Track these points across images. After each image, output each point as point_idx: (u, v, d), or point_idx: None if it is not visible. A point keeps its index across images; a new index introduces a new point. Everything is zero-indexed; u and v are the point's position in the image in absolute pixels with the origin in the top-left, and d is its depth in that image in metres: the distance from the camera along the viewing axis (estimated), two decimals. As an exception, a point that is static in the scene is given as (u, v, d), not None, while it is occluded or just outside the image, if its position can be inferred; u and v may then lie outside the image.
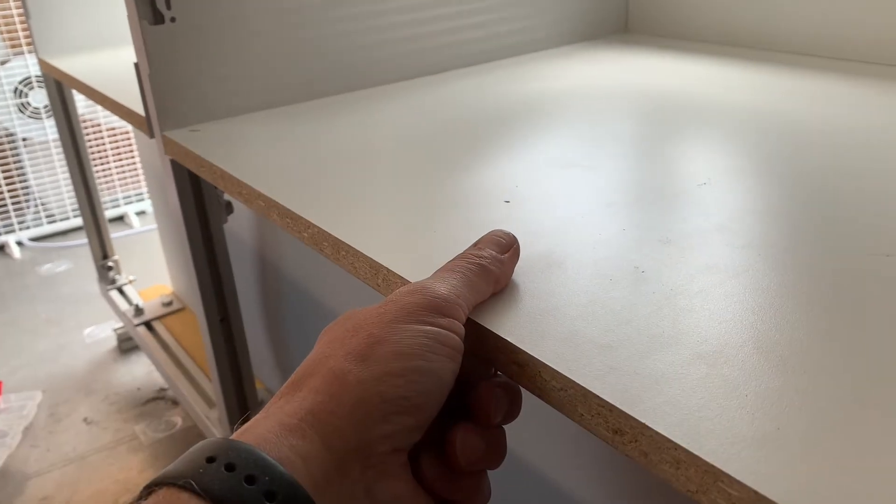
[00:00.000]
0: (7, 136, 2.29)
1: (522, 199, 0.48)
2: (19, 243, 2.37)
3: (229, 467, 0.25)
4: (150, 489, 0.25)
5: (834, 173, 0.50)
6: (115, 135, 2.46)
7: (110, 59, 1.15)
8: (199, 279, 0.80)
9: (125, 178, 2.53)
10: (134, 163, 2.52)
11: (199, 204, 0.77)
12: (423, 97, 0.75)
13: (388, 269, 0.40)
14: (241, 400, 0.90)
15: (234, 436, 0.27)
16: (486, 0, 0.85)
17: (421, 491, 0.31)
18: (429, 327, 0.31)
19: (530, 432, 0.68)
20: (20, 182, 2.36)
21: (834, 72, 0.75)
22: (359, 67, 0.78)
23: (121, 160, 2.50)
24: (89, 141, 2.40)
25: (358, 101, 0.75)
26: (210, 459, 0.25)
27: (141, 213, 2.54)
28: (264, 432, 0.27)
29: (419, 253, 0.42)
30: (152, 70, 0.66)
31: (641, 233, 0.42)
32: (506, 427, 0.34)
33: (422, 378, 0.30)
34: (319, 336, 0.33)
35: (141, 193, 2.55)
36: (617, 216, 0.45)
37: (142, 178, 2.53)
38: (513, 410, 0.34)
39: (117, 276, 1.61)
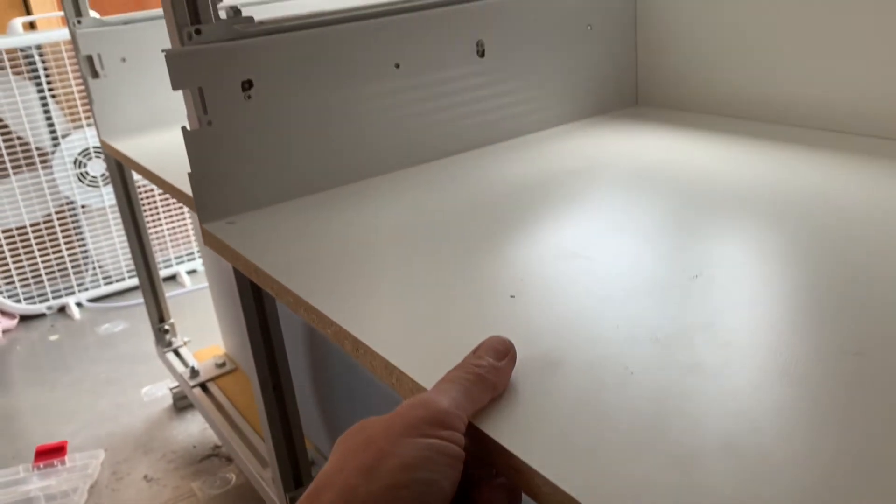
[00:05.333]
0: (68, 204, 2.42)
1: (527, 293, 0.52)
2: (79, 304, 2.49)
3: None
4: None
5: (837, 260, 0.52)
6: (166, 194, 2.58)
7: (166, 140, 1.24)
8: (254, 349, 0.85)
9: (176, 237, 2.64)
10: (184, 221, 2.63)
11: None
12: (435, 182, 0.79)
13: (400, 371, 0.44)
14: (293, 460, 0.94)
15: None
16: (495, 82, 0.89)
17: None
18: (431, 440, 0.35)
19: None
20: (80, 246, 2.48)
21: (845, 149, 0.74)
22: (370, 156, 0.83)
23: (171, 219, 2.62)
24: (142, 202, 2.52)
25: (377, 187, 0.80)
26: None
27: (192, 273, 2.64)
28: None
29: (429, 353, 0.46)
30: (192, 169, 0.72)
31: (633, 330, 0.45)
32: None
33: (426, 488, 0.33)
34: (335, 446, 0.37)
35: (192, 253, 2.65)
36: (612, 311, 0.48)
37: (192, 236, 2.64)
38: (514, 509, 0.37)
39: (173, 339, 1.69)
